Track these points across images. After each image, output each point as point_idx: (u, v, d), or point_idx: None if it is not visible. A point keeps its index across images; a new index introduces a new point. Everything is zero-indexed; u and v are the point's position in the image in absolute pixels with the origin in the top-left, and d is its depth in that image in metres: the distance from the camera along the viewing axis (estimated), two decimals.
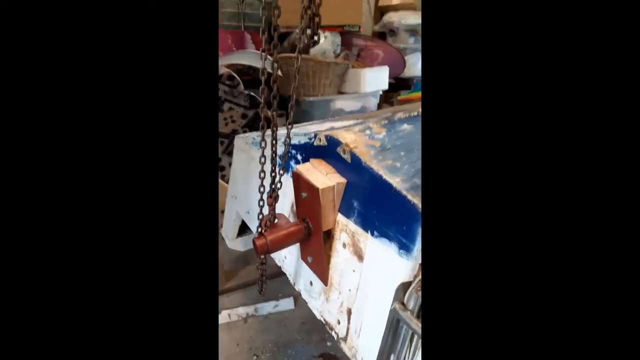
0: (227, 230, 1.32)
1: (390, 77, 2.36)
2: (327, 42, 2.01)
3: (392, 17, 2.70)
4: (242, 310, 1.58)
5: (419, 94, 2.68)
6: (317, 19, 0.62)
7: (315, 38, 0.62)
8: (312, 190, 0.67)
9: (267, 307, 1.61)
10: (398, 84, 2.71)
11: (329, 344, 1.42)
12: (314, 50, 1.97)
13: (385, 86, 2.30)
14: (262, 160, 0.69)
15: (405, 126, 0.75)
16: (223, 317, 1.55)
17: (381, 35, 2.83)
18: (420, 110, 0.83)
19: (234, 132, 1.82)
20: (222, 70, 1.77)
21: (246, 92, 1.78)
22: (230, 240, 1.33)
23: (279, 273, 0.98)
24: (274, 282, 1.74)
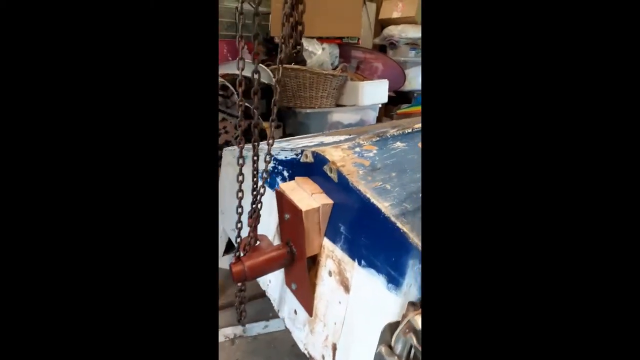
0: None
1: (390, 91, 2.33)
2: (324, 53, 1.98)
3: (392, 31, 2.68)
4: (229, 331, 1.51)
5: (419, 108, 2.65)
6: (300, 27, 0.57)
7: (298, 47, 0.57)
8: (296, 211, 0.61)
9: (257, 328, 1.54)
10: (398, 97, 2.68)
11: None
12: (311, 62, 1.93)
13: (385, 99, 2.26)
14: (240, 178, 0.63)
15: (398, 144, 0.70)
16: None
17: (381, 48, 2.81)
18: (416, 127, 0.78)
19: (228, 143, 1.77)
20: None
21: (241, 102, 1.74)
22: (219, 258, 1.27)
23: None
24: (264, 301, 1.67)
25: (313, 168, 0.67)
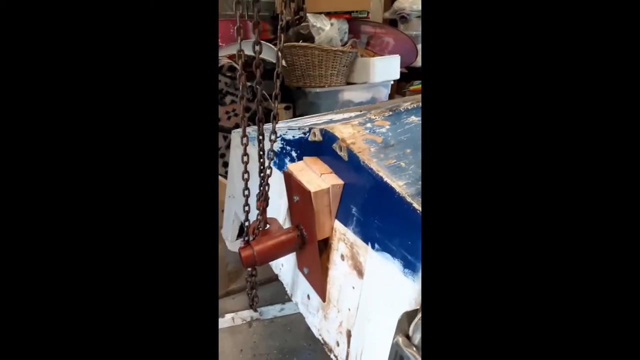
0: (227, 231, 1.24)
1: (402, 67, 2.23)
2: (333, 29, 1.90)
3: (403, 3, 2.57)
4: (246, 314, 1.51)
5: None
6: None
7: (301, 13, 0.52)
8: (304, 193, 0.58)
9: (273, 311, 1.54)
10: (410, 73, 2.58)
11: None
12: (319, 39, 1.86)
13: (397, 76, 2.18)
14: (245, 159, 0.60)
15: (413, 118, 0.65)
16: (226, 320, 1.49)
17: (392, 22, 2.70)
18: None
19: (237, 126, 1.74)
20: (224, 61, 1.68)
21: (249, 84, 1.69)
22: (230, 242, 1.25)
23: None
24: (279, 284, 1.67)
25: (322, 147, 0.63)
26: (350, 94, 2.09)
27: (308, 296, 0.72)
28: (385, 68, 2.10)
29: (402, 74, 2.28)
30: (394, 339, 0.42)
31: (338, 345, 0.62)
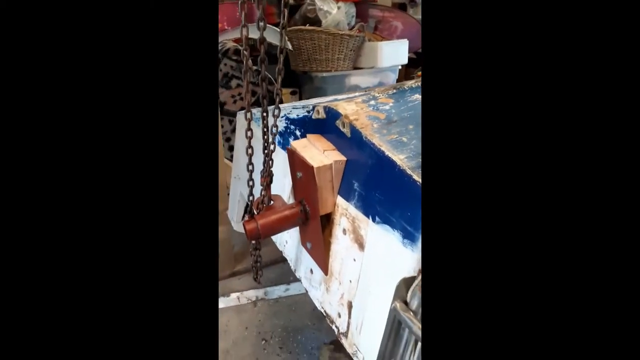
0: (232, 212, 1.26)
1: (410, 51, 2.21)
2: (340, 12, 1.88)
3: None
4: (251, 294, 1.55)
5: None
6: None
7: None
8: (307, 169, 0.59)
9: (278, 291, 1.57)
10: (419, 58, 2.55)
11: None
12: (326, 22, 1.85)
13: (405, 61, 2.16)
14: (249, 134, 0.61)
15: (417, 96, 0.65)
16: (232, 299, 1.52)
17: (401, 6, 2.66)
18: None
19: (243, 109, 1.75)
20: (229, 44, 1.68)
21: (255, 67, 1.69)
22: (236, 223, 1.28)
23: None
24: (284, 265, 1.70)
25: (325, 124, 0.64)
26: (357, 79, 2.08)
27: (311, 270, 0.74)
28: (393, 53, 2.08)
29: (410, 59, 2.26)
30: (392, 304, 0.43)
31: (340, 316, 0.64)
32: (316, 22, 1.88)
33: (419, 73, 2.58)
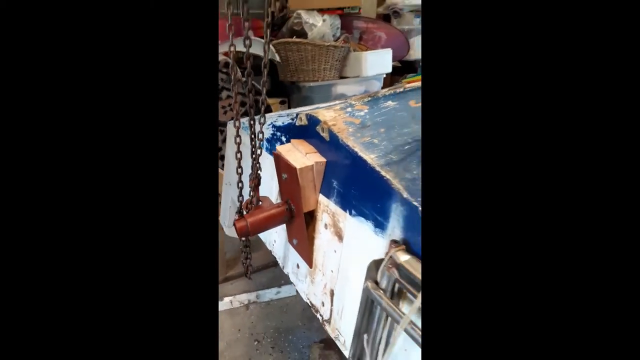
0: (224, 217, 1.31)
1: (394, 60, 2.30)
2: (325, 25, 1.97)
3: None
4: (244, 297, 1.59)
5: None
6: None
7: (285, 10, 0.59)
8: (291, 170, 0.65)
9: (269, 294, 1.62)
10: (404, 67, 2.65)
11: None
12: (312, 34, 1.93)
13: (389, 69, 2.25)
14: (238, 140, 0.67)
15: (389, 103, 0.72)
16: (225, 303, 1.57)
17: (386, 17, 2.76)
18: (407, 86, 0.80)
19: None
20: (220, 57, 1.75)
21: (244, 79, 1.76)
22: (227, 228, 1.33)
23: None
24: (276, 270, 1.75)
25: (308, 130, 0.70)
26: (344, 88, 2.15)
27: (297, 265, 0.79)
28: (378, 62, 2.17)
29: (395, 67, 2.34)
30: (364, 284, 0.49)
31: (323, 305, 0.70)
32: (302, 34, 1.96)
33: (404, 81, 2.67)
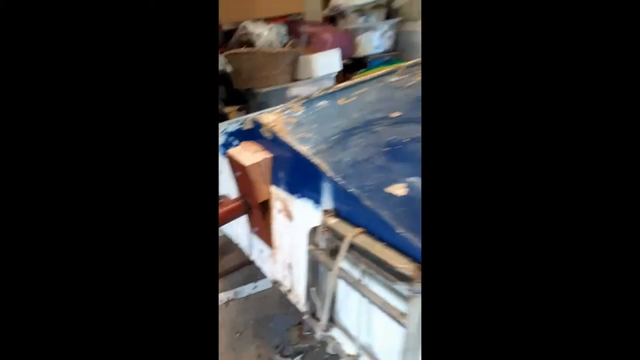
0: None
1: (343, 59, 2.45)
2: (271, 33, 2.09)
3: (338, 0, 2.77)
4: (222, 296, 1.68)
5: (374, 71, 2.77)
6: None
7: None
8: (242, 168, 0.77)
9: (247, 290, 1.72)
10: (355, 64, 2.80)
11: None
12: (259, 43, 2.04)
13: (338, 67, 2.39)
14: None
15: (322, 102, 0.85)
16: None
17: (332, 19, 2.90)
18: (339, 86, 0.93)
19: None
20: None
21: None
22: None
23: None
24: (252, 268, 1.85)
25: (254, 132, 0.82)
26: (298, 90, 2.27)
27: (261, 250, 0.91)
28: (327, 62, 2.31)
29: (346, 65, 2.49)
30: (307, 247, 0.62)
31: (285, 278, 0.82)
32: (251, 44, 2.07)
33: (354, 77, 2.83)
